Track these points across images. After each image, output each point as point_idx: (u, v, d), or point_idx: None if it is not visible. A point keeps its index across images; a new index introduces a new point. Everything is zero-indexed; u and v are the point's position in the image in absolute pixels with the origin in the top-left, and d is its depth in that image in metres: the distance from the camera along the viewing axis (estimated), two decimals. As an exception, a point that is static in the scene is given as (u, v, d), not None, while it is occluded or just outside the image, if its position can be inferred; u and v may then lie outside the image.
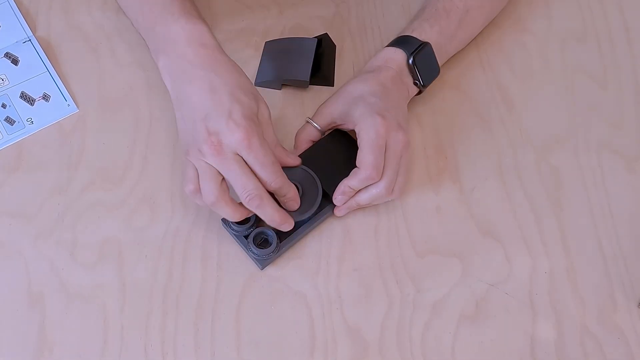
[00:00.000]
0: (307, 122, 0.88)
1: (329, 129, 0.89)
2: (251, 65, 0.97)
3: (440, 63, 0.92)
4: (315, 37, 0.96)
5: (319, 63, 0.96)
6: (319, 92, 0.96)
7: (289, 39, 0.97)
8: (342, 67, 0.98)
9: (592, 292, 0.84)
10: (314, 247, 0.85)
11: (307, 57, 0.94)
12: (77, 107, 0.94)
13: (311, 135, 0.88)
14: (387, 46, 0.91)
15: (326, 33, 0.98)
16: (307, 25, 1.01)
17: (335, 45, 0.98)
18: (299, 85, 0.95)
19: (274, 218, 0.80)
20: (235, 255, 0.85)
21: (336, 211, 0.86)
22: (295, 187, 0.82)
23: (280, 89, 0.95)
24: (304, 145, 0.88)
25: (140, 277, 0.84)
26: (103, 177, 0.89)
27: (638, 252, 0.86)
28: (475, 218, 0.87)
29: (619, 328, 0.82)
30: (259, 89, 0.95)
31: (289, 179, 0.80)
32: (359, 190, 0.84)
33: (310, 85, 0.95)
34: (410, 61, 0.88)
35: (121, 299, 0.82)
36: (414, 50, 0.89)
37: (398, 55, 0.89)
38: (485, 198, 0.89)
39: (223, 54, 0.84)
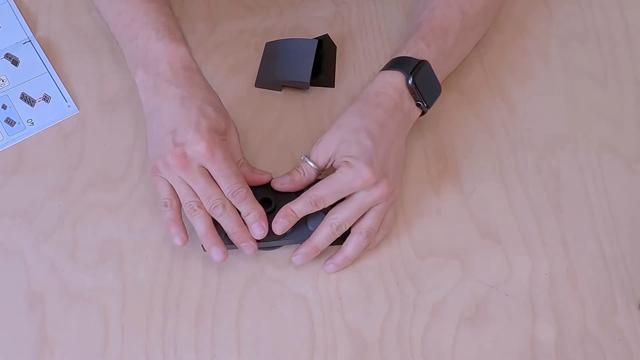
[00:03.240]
0: (303, 161, 0.84)
1: (329, 167, 0.85)
2: (251, 65, 0.97)
3: (442, 73, 0.90)
4: (315, 38, 0.96)
5: (319, 64, 0.96)
6: (319, 93, 0.96)
7: (290, 40, 0.97)
8: (343, 67, 0.98)
9: (592, 293, 0.84)
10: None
11: (307, 58, 0.94)
12: (78, 108, 0.94)
13: (310, 178, 0.84)
14: (383, 69, 0.88)
15: (327, 34, 0.97)
16: (308, 25, 1.01)
17: (335, 46, 0.98)
18: (299, 86, 0.95)
19: (235, 230, 0.80)
20: (236, 257, 0.85)
21: (293, 259, 0.83)
22: (261, 210, 0.81)
23: (280, 90, 0.95)
24: (299, 189, 0.85)
25: (140, 278, 0.84)
26: (103, 178, 0.89)
27: (638, 253, 0.86)
28: (475, 219, 0.87)
29: (619, 329, 0.82)
30: (260, 90, 0.95)
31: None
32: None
33: (310, 87, 0.95)
34: (410, 82, 0.85)
35: (122, 300, 0.82)
36: (412, 70, 0.85)
37: (396, 78, 0.86)
38: (485, 199, 0.89)
39: (201, 76, 0.86)
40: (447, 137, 0.93)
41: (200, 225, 0.81)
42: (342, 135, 0.83)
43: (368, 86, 0.87)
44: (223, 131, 0.82)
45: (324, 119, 0.94)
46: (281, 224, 0.80)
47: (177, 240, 0.81)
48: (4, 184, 0.89)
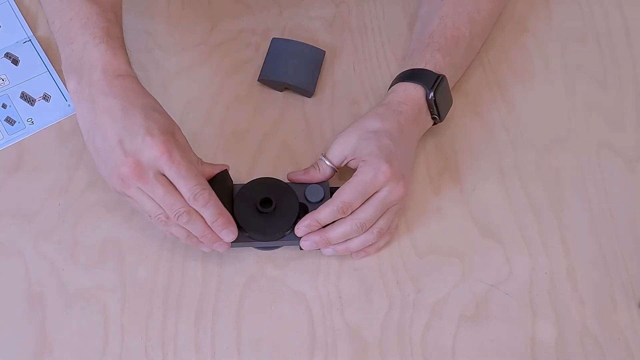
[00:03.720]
0: (321, 160, 0.85)
1: (344, 166, 0.85)
2: (251, 65, 0.97)
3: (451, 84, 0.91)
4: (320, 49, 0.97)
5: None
6: (320, 93, 0.96)
7: (299, 43, 0.96)
8: (342, 67, 0.98)
9: (592, 292, 0.84)
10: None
11: (314, 67, 0.96)
12: (78, 107, 0.94)
13: (325, 175, 0.84)
14: (404, 80, 0.88)
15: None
16: (307, 25, 1.01)
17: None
18: (302, 93, 0.95)
19: (205, 234, 0.78)
20: (236, 256, 0.85)
21: (302, 243, 0.81)
22: (227, 215, 0.78)
23: (282, 91, 0.95)
24: (313, 182, 0.85)
25: (140, 277, 0.84)
26: (103, 178, 0.89)
27: (638, 253, 0.86)
28: (475, 218, 0.87)
29: (619, 328, 0.82)
30: (259, 89, 0.95)
31: (287, 203, 0.81)
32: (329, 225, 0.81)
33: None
34: (430, 96, 0.86)
35: (121, 299, 0.82)
36: (433, 85, 0.86)
37: (418, 92, 0.86)
38: (485, 198, 0.89)
39: (138, 84, 0.81)
40: (447, 136, 0.93)
41: (180, 232, 0.79)
42: (361, 135, 0.83)
43: (390, 94, 0.88)
44: (172, 133, 0.77)
45: (324, 119, 0.94)
46: (303, 231, 0.80)
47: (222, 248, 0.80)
48: (4, 183, 0.89)
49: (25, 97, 0.94)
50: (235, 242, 0.80)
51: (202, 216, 0.77)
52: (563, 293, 0.83)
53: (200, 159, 0.80)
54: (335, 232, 0.80)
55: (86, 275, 0.84)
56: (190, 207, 0.76)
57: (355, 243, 0.82)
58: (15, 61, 0.96)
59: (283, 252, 0.85)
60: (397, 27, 1.01)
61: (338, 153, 0.84)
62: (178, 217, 0.76)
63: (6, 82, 0.95)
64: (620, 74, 0.98)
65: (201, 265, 0.84)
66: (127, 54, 0.82)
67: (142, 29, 1.00)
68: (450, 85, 0.90)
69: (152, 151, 0.74)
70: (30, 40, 0.98)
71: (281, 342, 0.80)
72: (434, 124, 0.90)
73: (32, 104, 0.94)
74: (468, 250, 0.86)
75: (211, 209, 0.77)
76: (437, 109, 0.87)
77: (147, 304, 0.82)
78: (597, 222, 0.88)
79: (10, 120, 0.92)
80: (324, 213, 0.79)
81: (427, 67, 0.88)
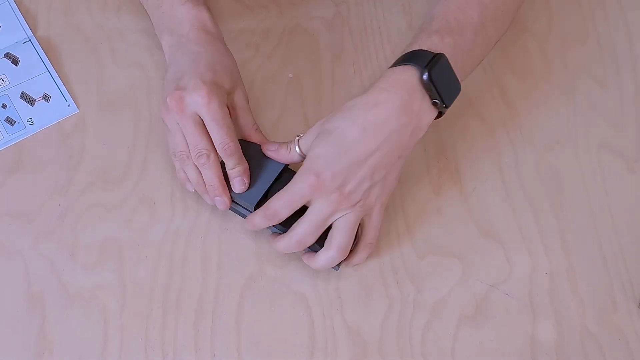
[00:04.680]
0: (294, 143, 0.82)
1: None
2: (251, 65, 0.97)
3: (462, 72, 0.81)
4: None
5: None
6: (320, 93, 0.96)
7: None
8: (342, 67, 0.98)
9: (592, 292, 0.84)
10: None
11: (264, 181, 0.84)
12: (78, 107, 0.94)
13: (293, 159, 0.82)
14: (392, 66, 0.78)
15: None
16: (307, 25, 1.01)
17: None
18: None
19: (213, 183, 0.81)
20: (235, 256, 0.85)
21: (248, 223, 0.81)
22: (247, 167, 0.82)
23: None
24: (281, 162, 0.83)
25: (140, 277, 0.84)
26: (103, 178, 0.89)
27: (638, 253, 0.86)
28: (475, 219, 0.87)
29: (619, 328, 0.82)
30: (260, 88, 0.95)
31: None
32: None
33: (308, 91, 0.95)
34: (425, 77, 0.74)
35: (121, 300, 0.82)
36: (428, 64, 0.75)
37: (407, 74, 0.76)
38: (485, 199, 0.89)
39: (221, 41, 0.88)
40: (447, 136, 0.93)
41: (193, 174, 0.83)
42: (320, 131, 0.78)
43: (374, 84, 0.78)
44: (228, 90, 0.83)
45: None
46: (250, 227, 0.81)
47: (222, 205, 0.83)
48: (4, 183, 0.89)
49: (25, 97, 0.94)
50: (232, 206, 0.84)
51: (218, 167, 0.81)
52: (563, 293, 0.83)
53: (257, 125, 0.86)
54: (279, 245, 0.80)
55: (86, 276, 0.84)
56: (212, 153, 0.80)
57: (319, 262, 0.79)
58: (15, 61, 0.96)
59: (283, 252, 0.85)
60: (397, 27, 1.01)
61: (304, 144, 0.80)
62: (198, 156, 0.80)
63: (6, 82, 0.95)
64: (620, 74, 0.98)
65: (201, 265, 0.84)
66: (211, 13, 0.89)
67: (142, 29, 1.00)
68: (465, 73, 0.82)
69: (195, 94, 0.79)
70: (30, 40, 0.98)
71: (281, 342, 0.80)
72: (439, 113, 0.79)
73: (32, 104, 0.94)
74: (468, 250, 0.86)
75: (234, 159, 0.81)
76: (438, 92, 0.76)
77: (146, 304, 0.82)
78: (597, 222, 0.88)
79: (10, 121, 0.92)
80: (257, 218, 0.79)
81: (422, 48, 0.78)
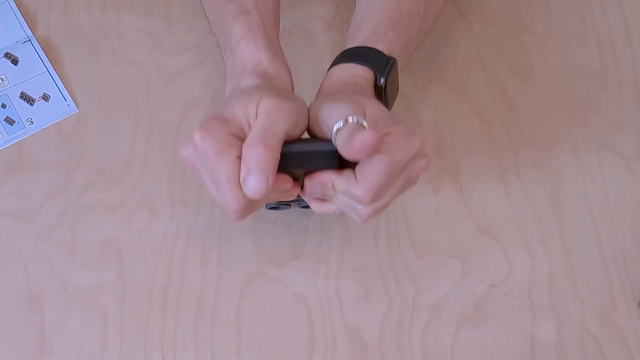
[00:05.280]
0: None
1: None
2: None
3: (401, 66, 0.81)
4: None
5: None
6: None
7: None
8: (342, 67, 0.98)
9: (592, 292, 0.83)
10: (314, 247, 0.85)
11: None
12: (77, 107, 0.94)
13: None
14: (348, 61, 0.76)
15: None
16: (307, 25, 1.01)
17: None
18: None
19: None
20: (235, 255, 0.85)
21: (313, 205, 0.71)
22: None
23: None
24: None
25: (139, 277, 0.84)
26: (103, 178, 0.89)
27: (638, 253, 0.86)
28: (475, 218, 0.87)
29: (619, 328, 0.82)
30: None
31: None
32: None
33: (306, 89, 0.95)
34: (381, 82, 0.74)
35: (121, 300, 0.82)
36: (384, 69, 0.74)
37: (367, 76, 0.75)
38: (485, 198, 0.89)
39: (279, 65, 0.75)
40: (446, 136, 0.92)
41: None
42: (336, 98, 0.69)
43: (327, 78, 0.77)
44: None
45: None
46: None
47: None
48: (3, 183, 0.89)
49: (24, 97, 0.94)
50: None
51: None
52: (563, 293, 0.83)
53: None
54: (368, 216, 0.68)
55: (85, 276, 0.84)
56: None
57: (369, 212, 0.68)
58: (14, 61, 0.96)
59: (283, 252, 0.85)
60: (397, 27, 1.01)
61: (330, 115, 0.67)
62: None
63: (5, 82, 0.95)
64: (620, 74, 0.98)
65: (200, 265, 0.84)
66: (275, 50, 0.76)
67: (142, 29, 1.00)
68: (403, 60, 0.81)
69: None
70: (29, 40, 0.98)
71: (280, 342, 0.80)
72: None
73: (31, 104, 0.94)
74: (468, 250, 0.85)
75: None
76: (386, 99, 0.76)
77: (146, 304, 0.82)
78: (597, 222, 0.88)
79: (9, 120, 0.92)
80: (371, 212, 0.67)
81: (378, 47, 0.76)
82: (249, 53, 0.73)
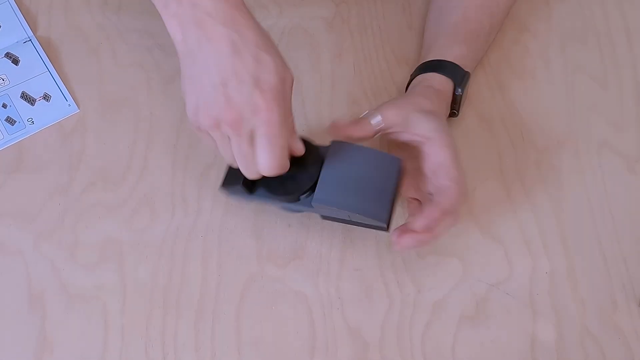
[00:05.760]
0: (374, 115, 0.79)
1: (381, 133, 0.80)
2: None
3: None
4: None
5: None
6: (318, 92, 0.96)
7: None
8: (342, 67, 0.98)
9: (593, 292, 0.84)
10: (315, 247, 0.85)
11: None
12: (78, 107, 0.94)
13: (372, 133, 0.79)
14: (433, 71, 0.86)
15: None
16: (307, 25, 1.01)
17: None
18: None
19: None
20: (236, 255, 0.85)
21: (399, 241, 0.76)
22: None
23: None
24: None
25: (140, 277, 0.84)
26: (103, 178, 0.89)
27: (638, 253, 0.86)
28: (476, 218, 0.87)
29: (619, 328, 0.82)
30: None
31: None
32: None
33: (306, 89, 0.95)
34: (458, 92, 0.86)
35: (122, 300, 0.82)
36: (462, 82, 0.86)
37: (448, 85, 0.86)
38: (486, 198, 0.89)
39: (248, 13, 0.72)
40: (447, 136, 0.93)
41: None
42: (413, 108, 0.79)
43: (423, 82, 0.86)
44: (282, 80, 0.70)
45: (324, 119, 0.94)
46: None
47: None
48: (4, 183, 0.89)
49: (25, 97, 0.94)
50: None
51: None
52: (563, 293, 0.83)
53: (293, 120, 0.74)
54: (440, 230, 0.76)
55: (86, 276, 0.84)
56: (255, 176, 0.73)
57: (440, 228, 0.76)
58: (15, 61, 0.96)
59: (284, 252, 0.85)
60: (397, 27, 1.01)
61: (391, 117, 0.79)
62: (247, 173, 0.73)
63: (6, 82, 0.95)
64: (621, 74, 0.98)
65: (201, 265, 0.84)
66: None
67: (142, 29, 1.00)
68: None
69: (256, 111, 0.68)
70: (30, 40, 0.98)
71: (281, 342, 0.80)
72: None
73: (32, 104, 0.94)
74: (468, 250, 0.86)
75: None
76: (459, 107, 0.88)
77: (147, 304, 0.82)
78: (597, 222, 0.88)
79: (10, 120, 0.92)
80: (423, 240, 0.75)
81: (455, 61, 0.87)
82: None
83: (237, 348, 0.80)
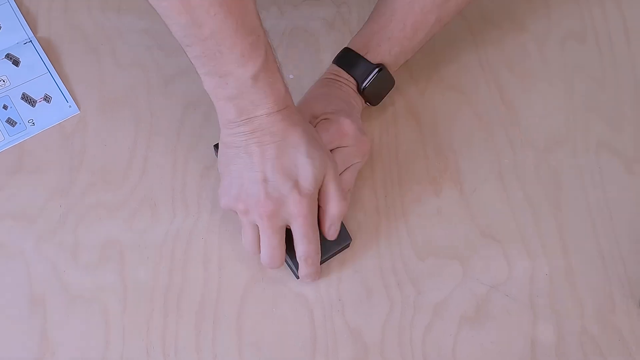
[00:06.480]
0: None
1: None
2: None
3: (396, 68, 0.90)
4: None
5: None
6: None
7: None
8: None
9: (591, 293, 0.84)
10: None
11: None
12: (79, 108, 0.94)
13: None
14: (341, 65, 0.89)
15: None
16: (308, 26, 1.01)
17: None
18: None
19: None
20: (237, 257, 0.85)
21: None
22: (319, 269, 0.82)
23: None
24: None
25: (141, 278, 0.84)
26: (104, 179, 0.89)
27: (637, 253, 0.86)
28: (475, 220, 0.88)
29: (618, 329, 0.82)
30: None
31: None
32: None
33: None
34: (362, 88, 0.87)
35: (122, 301, 0.82)
36: (367, 79, 0.87)
37: (350, 80, 0.88)
38: (485, 200, 0.89)
39: (295, 112, 0.77)
40: (447, 137, 0.93)
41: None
42: (314, 99, 0.87)
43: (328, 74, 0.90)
44: (321, 178, 0.77)
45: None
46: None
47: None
48: (5, 184, 0.89)
49: (26, 98, 0.94)
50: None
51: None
52: (562, 294, 0.84)
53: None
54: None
55: (87, 277, 0.84)
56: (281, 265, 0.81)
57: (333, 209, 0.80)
58: (16, 62, 0.96)
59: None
60: (397, 27, 1.01)
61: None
62: (269, 265, 0.80)
63: (7, 83, 0.95)
64: (619, 74, 0.98)
65: (202, 266, 0.84)
66: (281, 75, 0.76)
67: (143, 29, 1.00)
68: (399, 64, 0.90)
69: (293, 209, 0.75)
70: (31, 41, 0.98)
71: (282, 344, 0.81)
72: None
73: (33, 105, 0.94)
74: (468, 251, 0.86)
75: (313, 270, 0.81)
76: (369, 101, 0.90)
77: (148, 305, 0.82)
78: (596, 223, 0.88)
79: (11, 122, 0.92)
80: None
81: (368, 57, 0.87)
82: (269, 86, 0.74)
83: (238, 350, 0.80)
